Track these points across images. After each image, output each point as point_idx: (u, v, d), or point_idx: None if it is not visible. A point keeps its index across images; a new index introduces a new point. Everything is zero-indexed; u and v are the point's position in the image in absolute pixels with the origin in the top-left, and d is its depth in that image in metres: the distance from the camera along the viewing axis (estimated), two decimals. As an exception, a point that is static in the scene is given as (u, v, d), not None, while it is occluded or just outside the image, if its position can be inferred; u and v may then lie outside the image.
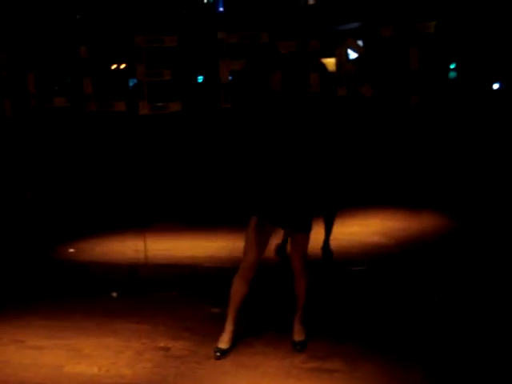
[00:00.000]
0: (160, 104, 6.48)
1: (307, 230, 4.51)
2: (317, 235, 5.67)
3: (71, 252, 7.56)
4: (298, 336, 4.70)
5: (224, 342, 4.63)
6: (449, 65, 16.73)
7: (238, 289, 4.64)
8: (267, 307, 5.48)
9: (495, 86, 16.70)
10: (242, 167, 4.55)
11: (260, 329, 5.00)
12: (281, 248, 6.37)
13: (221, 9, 20.77)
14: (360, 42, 15.53)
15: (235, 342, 4.71)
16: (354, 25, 17.02)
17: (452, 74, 16.79)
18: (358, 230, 7.52)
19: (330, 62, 6.11)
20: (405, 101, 6.02)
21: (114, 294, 6.06)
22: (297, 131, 4.34)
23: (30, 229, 8.48)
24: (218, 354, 4.57)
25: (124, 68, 18.54)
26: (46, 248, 7.72)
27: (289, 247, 4.99)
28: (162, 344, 4.86)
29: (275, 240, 6.05)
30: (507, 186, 8.82)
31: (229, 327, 4.67)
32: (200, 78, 18.96)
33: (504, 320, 4.86)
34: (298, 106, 4.40)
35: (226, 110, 6.30)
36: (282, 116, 4.34)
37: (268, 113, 4.36)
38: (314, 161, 4.43)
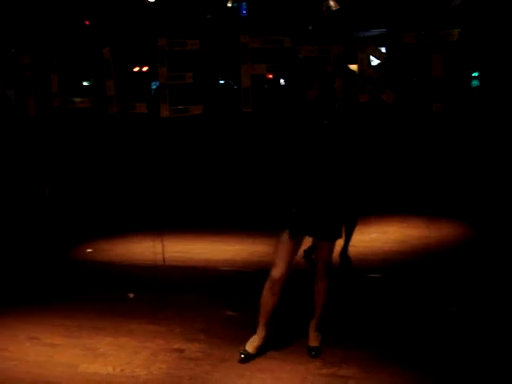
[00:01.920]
0: (181, 107, 6.50)
1: (335, 238, 4.54)
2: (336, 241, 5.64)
3: (89, 252, 7.61)
4: (314, 342, 4.68)
5: (252, 347, 4.58)
6: (472, 73, 16.60)
7: (267, 301, 4.58)
8: (285, 311, 5.46)
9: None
10: (275, 181, 4.52)
11: (277, 333, 4.98)
12: (309, 252, 6.35)
13: (244, 12, 20.82)
14: (383, 49, 15.49)
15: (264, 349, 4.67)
16: (378, 31, 16.95)
17: (475, 83, 16.66)
18: (376, 238, 7.50)
19: (352, 68, 6.10)
20: (427, 108, 5.99)
21: (131, 295, 6.09)
22: (333, 146, 4.35)
23: (48, 227, 8.55)
24: (243, 356, 4.54)
25: (147, 71, 18.63)
26: (64, 247, 7.79)
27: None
28: (177, 346, 4.87)
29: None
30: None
31: (260, 333, 4.63)
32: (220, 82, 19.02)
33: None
34: (335, 120, 4.39)
35: (247, 114, 6.32)
36: (320, 134, 4.34)
37: (306, 134, 4.35)
38: (346, 172, 4.45)
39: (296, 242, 4.50)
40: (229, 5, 19.86)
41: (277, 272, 4.51)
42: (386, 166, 9.00)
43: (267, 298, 4.57)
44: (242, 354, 4.56)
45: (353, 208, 6.00)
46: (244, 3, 20.61)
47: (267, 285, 4.56)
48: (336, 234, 4.53)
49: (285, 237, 4.46)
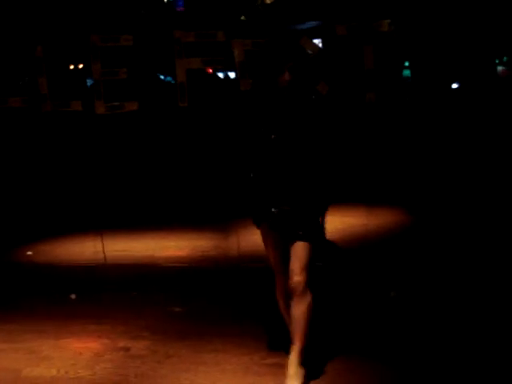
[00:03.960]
0: (116, 103, 6.45)
1: (309, 239, 3.85)
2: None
3: (29, 254, 7.48)
4: (294, 381, 3.86)
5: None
6: (403, 63, 16.95)
7: (283, 307, 4.08)
8: (228, 303, 5.50)
9: (454, 86, 16.98)
10: (240, 174, 4.03)
11: (221, 326, 5.01)
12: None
13: (181, 7, 20.71)
14: (318, 41, 15.69)
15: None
16: (313, 23, 17.14)
17: (406, 72, 17.02)
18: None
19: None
20: (360, 98, 6.10)
21: (73, 296, 6.01)
22: (304, 140, 3.86)
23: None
24: None
25: (82, 68, 18.35)
26: (2, 250, 7.62)
27: None
28: (121, 344, 4.83)
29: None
30: (463, 182, 9.01)
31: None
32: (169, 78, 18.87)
33: (458, 312, 4.96)
34: (307, 110, 3.90)
35: (183, 109, 6.31)
36: (288, 124, 3.85)
37: (272, 123, 3.86)
38: (324, 166, 3.93)
39: (279, 237, 3.92)
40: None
41: (279, 278, 4.02)
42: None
43: (281, 305, 4.08)
44: None
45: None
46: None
47: (276, 290, 4.09)
48: (308, 233, 3.83)
49: (261, 232, 3.98)
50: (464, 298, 5.19)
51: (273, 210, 3.85)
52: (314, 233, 3.89)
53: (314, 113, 3.92)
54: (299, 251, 3.83)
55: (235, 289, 5.72)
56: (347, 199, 8.67)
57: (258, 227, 3.99)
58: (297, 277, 3.82)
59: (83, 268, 6.79)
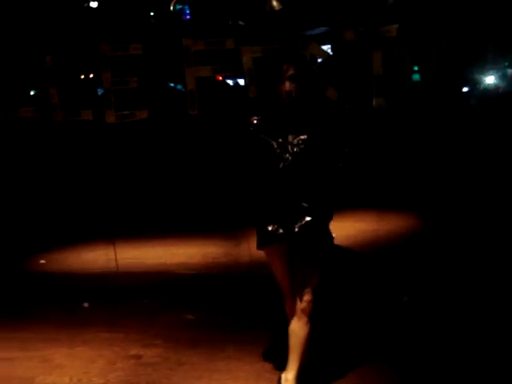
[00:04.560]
0: (127, 112, 6.48)
1: (315, 263, 3.71)
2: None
3: (42, 263, 7.51)
4: None
5: None
6: (413, 67, 16.93)
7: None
8: (240, 310, 5.50)
9: (465, 89, 16.93)
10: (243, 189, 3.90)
11: (233, 333, 5.01)
12: None
13: (187, 16, 20.81)
14: (328, 47, 15.68)
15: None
16: (322, 29, 17.14)
17: (416, 77, 16.99)
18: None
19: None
20: (370, 103, 6.10)
21: (86, 304, 6.02)
22: (311, 151, 3.69)
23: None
24: None
25: (92, 77, 18.46)
26: (16, 259, 7.66)
27: None
28: (134, 352, 4.84)
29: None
30: (475, 187, 8.98)
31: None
32: (179, 86, 18.95)
33: (470, 316, 4.94)
34: (313, 119, 3.73)
35: (193, 117, 6.33)
36: (294, 135, 3.68)
37: (278, 134, 3.69)
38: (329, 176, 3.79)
39: (288, 258, 3.77)
40: (171, 8, 19.82)
41: (283, 290, 3.92)
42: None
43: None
44: None
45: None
46: (187, 6, 20.60)
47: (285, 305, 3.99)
48: (324, 257, 3.73)
49: (274, 257, 3.83)
50: (476, 303, 5.16)
51: (281, 230, 3.68)
52: (324, 255, 3.78)
53: (321, 121, 3.77)
54: (308, 274, 3.72)
55: (247, 296, 5.72)
56: (359, 205, 8.69)
57: (264, 249, 3.82)
58: (306, 298, 3.72)
59: (96, 276, 6.81)
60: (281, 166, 3.67)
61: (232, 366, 4.47)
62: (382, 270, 6.19)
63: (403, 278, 5.90)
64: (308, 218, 3.67)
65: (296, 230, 3.66)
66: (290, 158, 3.67)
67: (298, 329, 3.76)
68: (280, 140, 3.69)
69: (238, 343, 4.80)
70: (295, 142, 3.68)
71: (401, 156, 11.05)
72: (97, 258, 7.38)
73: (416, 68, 16.93)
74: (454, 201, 8.43)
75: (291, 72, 3.66)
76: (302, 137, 3.69)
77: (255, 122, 3.72)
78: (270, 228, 3.69)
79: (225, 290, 6.10)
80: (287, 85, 3.65)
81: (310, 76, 3.76)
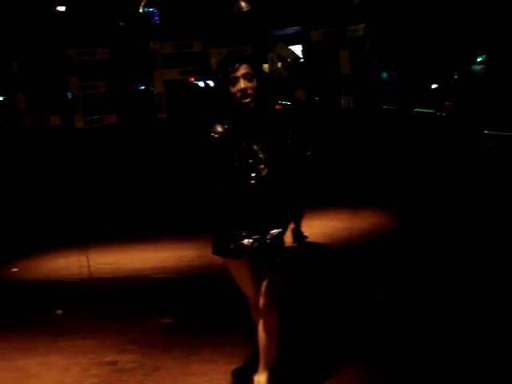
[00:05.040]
0: (96, 117, 6.45)
1: (281, 265, 3.70)
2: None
3: (15, 271, 7.43)
4: None
5: None
6: (381, 65, 17.06)
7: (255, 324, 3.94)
8: (214, 313, 5.50)
9: (433, 86, 17.08)
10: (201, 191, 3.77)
11: (208, 336, 5.00)
12: (296, 232, 6.46)
13: (156, 18, 20.71)
14: (299, 47, 15.71)
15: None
16: (294, 29, 17.19)
17: (384, 75, 17.12)
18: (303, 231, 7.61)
19: (263, 68, 6.18)
20: (338, 102, 6.14)
21: (60, 312, 5.97)
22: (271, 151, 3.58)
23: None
24: None
25: (60, 82, 18.29)
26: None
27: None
28: (109, 358, 4.81)
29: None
30: (446, 183, 9.07)
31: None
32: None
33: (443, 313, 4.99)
34: (274, 128, 3.62)
35: (162, 120, 6.32)
36: (254, 148, 3.56)
37: (235, 148, 3.57)
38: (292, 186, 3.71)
39: (252, 264, 3.73)
40: (140, 11, 19.72)
41: (249, 297, 3.88)
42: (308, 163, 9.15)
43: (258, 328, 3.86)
44: None
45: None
46: (155, 9, 20.51)
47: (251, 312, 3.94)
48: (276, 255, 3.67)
49: (235, 270, 3.78)
50: (449, 300, 5.21)
51: (246, 241, 3.58)
52: (283, 257, 3.72)
53: (282, 125, 3.68)
54: (271, 277, 3.69)
55: (221, 299, 5.71)
56: (331, 203, 8.74)
57: (224, 257, 3.73)
58: (269, 299, 3.71)
59: (70, 283, 6.75)
60: (253, 176, 3.55)
61: (208, 368, 4.46)
62: (355, 267, 6.22)
63: (376, 275, 5.94)
64: (278, 228, 3.62)
65: (268, 241, 3.59)
66: (263, 168, 3.55)
67: (266, 332, 3.77)
68: (247, 148, 3.56)
69: (213, 346, 4.79)
70: (263, 149, 3.57)
71: (374, 154, 11.12)
72: (70, 264, 7.32)
73: (384, 66, 17.06)
74: (428, 198, 8.50)
75: (245, 71, 3.53)
76: (268, 143, 3.59)
77: (220, 129, 3.57)
78: (245, 242, 3.59)
79: (199, 292, 6.09)
80: (242, 83, 3.50)
81: (264, 76, 3.65)
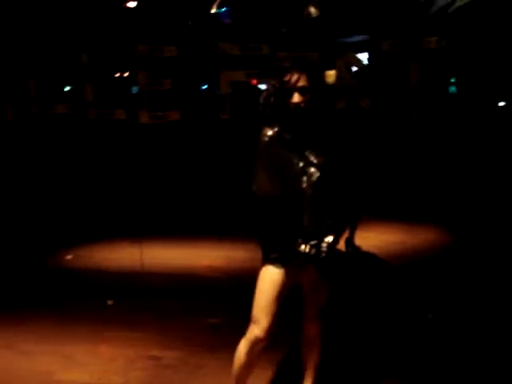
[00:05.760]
0: (160, 113, 6.50)
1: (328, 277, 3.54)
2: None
3: (68, 259, 7.56)
4: None
5: None
6: (449, 79, 16.72)
7: (244, 363, 3.68)
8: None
9: (501, 104, 16.67)
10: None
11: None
12: (348, 242, 6.45)
13: (227, 19, 20.81)
14: (365, 55, 15.55)
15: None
16: (360, 38, 17.04)
17: (452, 89, 16.78)
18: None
19: (331, 75, 6.13)
20: (405, 115, 6.04)
21: (110, 302, 6.04)
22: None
23: (27, 234, 8.49)
24: None
25: (127, 76, 18.59)
26: (43, 254, 7.73)
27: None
28: (154, 353, 4.83)
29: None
30: (506, 202, 8.83)
31: None
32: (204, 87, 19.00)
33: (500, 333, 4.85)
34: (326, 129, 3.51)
35: (225, 121, 6.33)
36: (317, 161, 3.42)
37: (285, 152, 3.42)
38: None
39: (287, 284, 3.54)
40: (212, 11, 19.87)
41: (260, 331, 3.59)
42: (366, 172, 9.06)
43: (245, 359, 3.65)
44: None
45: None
46: (227, 9, 20.63)
47: (246, 340, 3.67)
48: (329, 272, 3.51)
49: (275, 278, 3.55)
50: (503, 323, 5.06)
51: (303, 246, 3.40)
52: (336, 266, 3.54)
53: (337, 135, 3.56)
54: (319, 287, 3.58)
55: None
56: (385, 216, 8.62)
57: (284, 266, 3.49)
58: (313, 310, 3.67)
59: (121, 275, 6.83)
60: (305, 180, 3.42)
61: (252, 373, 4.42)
62: (407, 283, 6.10)
63: (429, 293, 5.81)
64: (332, 236, 3.45)
65: (324, 249, 3.40)
66: (314, 171, 3.42)
67: (308, 344, 3.76)
68: (297, 152, 3.43)
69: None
70: (313, 153, 3.43)
71: (435, 168, 10.92)
72: (123, 256, 7.41)
73: (453, 80, 16.73)
74: (485, 216, 8.30)
75: (301, 84, 3.36)
76: (320, 147, 3.46)
77: (270, 133, 3.43)
78: (302, 247, 3.39)
79: (248, 295, 6.06)
80: (296, 97, 3.36)
81: (321, 87, 3.49)
